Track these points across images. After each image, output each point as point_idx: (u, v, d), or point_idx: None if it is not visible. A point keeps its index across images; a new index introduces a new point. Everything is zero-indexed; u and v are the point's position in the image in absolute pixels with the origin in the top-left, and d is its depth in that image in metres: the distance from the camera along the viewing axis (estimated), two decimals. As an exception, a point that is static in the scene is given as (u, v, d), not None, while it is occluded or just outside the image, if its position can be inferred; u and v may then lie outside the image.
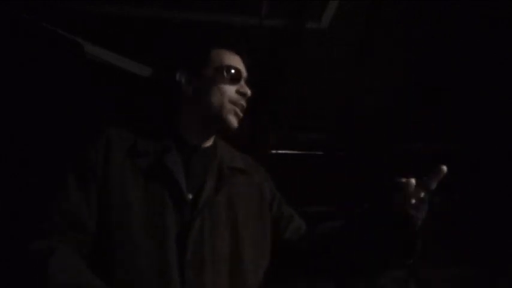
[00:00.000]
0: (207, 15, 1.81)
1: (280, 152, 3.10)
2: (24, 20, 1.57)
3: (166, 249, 0.87)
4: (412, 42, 2.15)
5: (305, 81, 2.47)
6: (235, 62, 1.06)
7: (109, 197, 0.90)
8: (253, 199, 1.06)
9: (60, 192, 0.91)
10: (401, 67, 2.42)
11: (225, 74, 1.03)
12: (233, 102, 1.03)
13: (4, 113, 1.51)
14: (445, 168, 0.94)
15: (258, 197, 1.08)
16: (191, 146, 1.03)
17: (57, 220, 0.87)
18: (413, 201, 0.90)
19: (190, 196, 0.94)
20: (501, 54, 2.20)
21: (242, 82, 1.05)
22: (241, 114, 1.05)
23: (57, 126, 1.64)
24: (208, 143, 1.07)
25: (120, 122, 1.04)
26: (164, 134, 1.02)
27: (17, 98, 1.55)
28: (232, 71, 1.04)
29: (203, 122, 1.04)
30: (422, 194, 0.92)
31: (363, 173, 3.21)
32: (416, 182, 0.90)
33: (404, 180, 0.89)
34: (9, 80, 1.54)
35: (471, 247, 3.04)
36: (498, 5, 1.82)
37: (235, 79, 1.04)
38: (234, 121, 1.03)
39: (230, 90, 1.03)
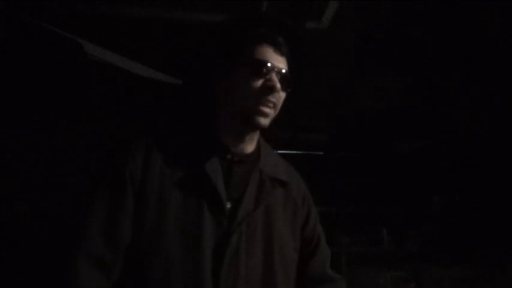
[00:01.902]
0: (207, 15, 1.81)
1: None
2: (24, 20, 1.57)
3: (202, 261, 0.86)
4: (412, 42, 2.15)
5: (305, 81, 2.47)
6: (264, 54, 0.93)
7: (146, 206, 0.87)
8: (288, 214, 1.03)
9: (95, 209, 0.87)
10: (401, 67, 2.42)
11: (251, 68, 0.93)
12: (260, 99, 0.93)
13: (4, 113, 1.51)
14: None
15: (293, 212, 1.05)
16: (232, 153, 0.97)
17: (92, 240, 0.84)
18: None
19: (229, 205, 0.92)
20: (501, 53, 2.20)
21: (271, 75, 0.93)
22: (270, 112, 0.95)
23: (57, 126, 1.64)
24: (250, 149, 1.01)
25: (156, 128, 1.02)
26: (203, 139, 0.97)
27: (16, 98, 1.55)
28: (259, 64, 0.93)
29: (236, 123, 0.97)
30: None
31: (363, 173, 3.22)
32: None
33: None
34: (9, 80, 1.54)
35: (471, 247, 3.04)
36: (498, 5, 1.82)
37: (262, 73, 0.93)
38: (262, 121, 0.95)
39: (256, 85, 0.92)
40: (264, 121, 0.95)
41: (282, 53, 0.95)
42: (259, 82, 0.93)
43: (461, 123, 2.95)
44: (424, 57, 2.28)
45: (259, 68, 0.93)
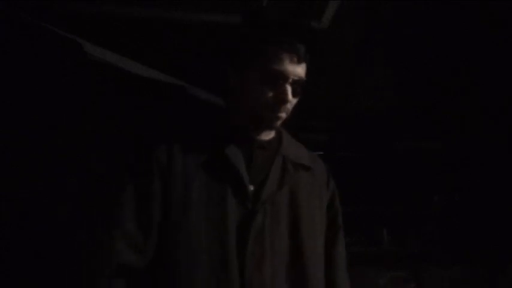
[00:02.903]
0: (207, 15, 1.81)
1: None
2: (24, 20, 1.57)
3: (227, 240, 0.87)
4: (412, 42, 2.15)
5: (305, 81, 2.47)
6: (281, 62, 0.89)
7: (172, 190, 0.89)
8: (314, 198, 1.04)
9: (126, 195, 0.90)
10: (401, 67, 2.42)
11: (265, 76, 0.90)
12: (271, 108, 0.91)
13: (4, 113, 1.51)
14: None
15: (318, 197, 1.06)
16: (252, 139, 0.98)
17: (126, 225, 0.88)
18: None
19: (252, 188, 0.93)
20: (501, 53, 2.20)
21: (284, 86, 0.90)
22: (280, 118, 0.95)
23: (57, 127, 1.64)
24: (270, 136, 1.02)
25: (176, 121, 1.04)
26: (222, 128, 0.99)
27: (16, 98, 1.55)
28: (274, 73, 0.89)
29: (250, 119, 0.98)
30: None
31: (363, 173, 3.21)
32: None
33: None
34: (9, 80, 1.54)
35: (471, 247, 3.04)
36: (498, 6, 1.82)
37: (275, 82, 0.90)
38: (273, 125, 0.96)
39: (268, 94, 0.90)
40: (275, 124, 0.96)
41: (299, 60, 0.91)
42: (272, 92, 0.90)
43: (462, 123, 2.95)
44: (424, 57, 2.28)
45: (273, 77, 0.90)
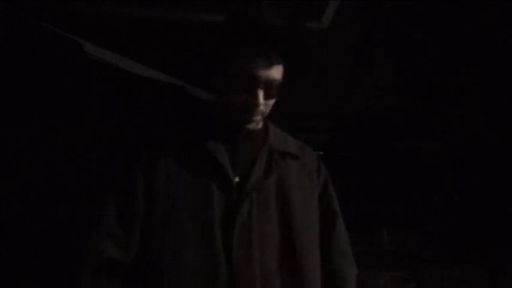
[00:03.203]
0: (207, 15, 1.81)
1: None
2: (24, 20, 1.57)
3: (213, 232, 0.87)
4: (412, 42, 2.15)
5: (305, 81, 2.47)
6: (251, 67, 0.86)
7: (155, 194, 0.90)
8: (304, 185, 1.03)
9: (110, 198, 0.92)
10: (401, 67, 2.42)
11: (236, 80, 0.88)
12: (245, 111, 0.91)
13: (4, 113, 1.51)
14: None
15: (308, 184, 1.04)
16: (238, 130, 0.97)
17: (109, 223, 0.89)
18: None
19: (237, 179, 0.93)
20: (501, 53, 2.20)
21: (256, 90, 0.88)
22: (256, 120, 0.94)
23: (57, 127, 1.64)
24: (256, 127, 0.99)
25: (158, 120, 1.05)
26: (205, 124, 0.99)
27: (16, 98, 1.55)
28: (244, 77, 0.87)
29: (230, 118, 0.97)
30: None
31: (363, 173, 3.21)
32: None
33: None
34: (9, 80, 1.54)
35: (471, 247, 3.04)
36: (498, 6, 1.82)
37: (247, 87, 0.88)
38: (250, 127, 0.95)
39: (240, 99, 0.89)
40: (252, 126, 0.95)
41: (272, 64, 0.88)
42: (244, 96, 0.89)
43: (462, 123, 2.95)
44: (424, 57, 2.28)
45: (245, 81, 0.88)
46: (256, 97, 0.89)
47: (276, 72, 0.90)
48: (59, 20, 1.68)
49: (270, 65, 0.88)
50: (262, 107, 0.91)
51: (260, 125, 1.01)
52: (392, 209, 3.15)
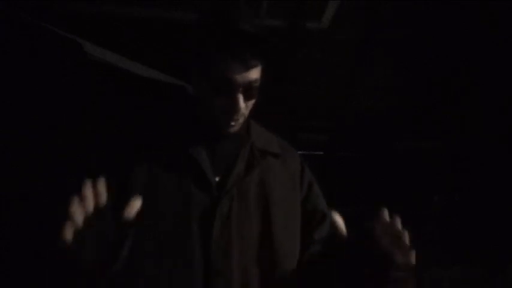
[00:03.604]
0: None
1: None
2: (24, 20, 1.57)
3: (190, 232, 0.86)
4: (412, 42, 2.15)
5: (305, 81, 2.47)
6: (227, 70, 0.84)
7: (132, 193, 0.86)
8: (285, 185, 1.01)
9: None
10: (401, 67, 2.42)
11: (214, 84, 0.86)
12: (224, 115, 0.89)
13: (4, 113, 1.51)
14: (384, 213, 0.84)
15: (291, 184, 1.03)
16: (218, 130, 0.95)
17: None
18: (388, 240, 0.78)
19: (217, 179, 0.92)
20: (501, 53, 2.20)
21: (235, 95, 0.86)
22: (237, 123, 0.92)
23: (57, 127, 1.64)
24: (236, 128, 0.97)
25: (139, 123, 1.03)
26: (186, 125, 0.98)
27: (16, 98, 1.55)
28: (221, 81, 0.85)
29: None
30: (398, 232, 0.81)
31: (363, 173, 3.22)
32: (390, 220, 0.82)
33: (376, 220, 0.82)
34: (9, 80, 1.54)
35: (471, 247, 3.04)
36: (498, 6, 1.82)
37: (225, 91, 0.86)
38: (231, 130, 0.93)
39: (219, 102, 0.88)
40: (233, 129, 0.93)
41: (248, 66, 0.85)
42: (222, 100, 0.87)
43: (461, 123, 2.95)
44: (424, 57, 2.28)
45: (222, 86, 0.85)
46: (236, 101, 0.87)
47: (254, 73, 0.88)
48: (59, 20, 1.68)
49: (247, 67, 0.85)
50: (242, 110, 0.90)
51: (241, 126, 0.98)
52: (392, 209, 3.15)
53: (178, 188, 0.90)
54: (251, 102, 0.93)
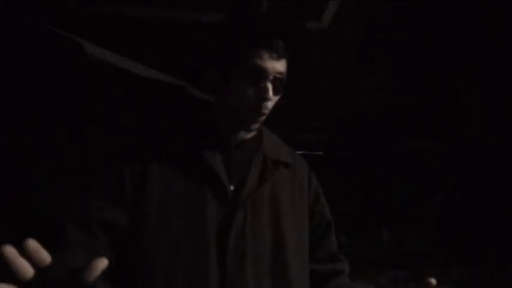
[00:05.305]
0: (207, 15, 1.81)
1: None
2: (24, 20, 1.57)
3: (207, 241, 0.86)
4: (412, 42, 2.15)
5: (305, 81, 2.47)
6: (260, 59, 0.88)
7: (147, 200, 0.88)
8: (294, 193, 1.03)
9: (93, 204, 0.88)
10: (401, 67, 2.42)
11: (246, 75, 0.89)
12: (253, 108, 0.91)
13: (4, 113, 1.51)
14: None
15: (299, 193, 1.04)
16: (231, 139, 0.98)
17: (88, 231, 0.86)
18: None
19: (231, 188, 0.92)
20: (501, 53, 2.20)
21: (265, 83, 0.89)
22: (261, 119, 0.94)
23: (57, 126, 1.64)
24: (250, 135, 1.00)
25: (153, 123, 1.02)
26: (200, 130, 0.98)
27: (16, 98, 1.55)
28: (254, 71, 0.88)
29: (231, 121, 0.97)
30: None
31: (363, 173, 3.22)
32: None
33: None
34: (9, 80, 1.54)
35: (471, 247, 3.04)
36: (498, 6, 1.82)
37: (256, 80, 0.89)
38: (253, 127, 0.95)
39: (249, 93, 0.89)
40: (255, 127, 0.95)
41: (279, 56, 0.90)
42: (253, 90, 0.90)
43: (461, 123, 2.95)
44: (424, 57, 2.29)
45: (254, 75, 0.89)
46: (266, 90, 0.89)
47: (282, 66, 0.91)
48: (59, 20, 1.69)
49: (277, 57, 0.89)
50: (269, 104, 0.92)
51: (254, 133, 1.01)
52: (392, 209, 3.15)
53: (194, 196, 0.89)
54: (276, 98, 0.95)
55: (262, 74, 0.89)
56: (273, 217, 0.95)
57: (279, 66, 0.90)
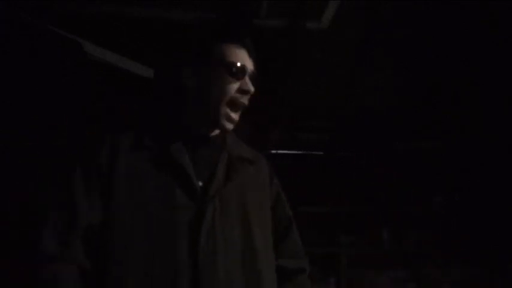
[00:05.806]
0: (207, 15, 1.82)
1: (280, 152, 3.10)
2: (24, 20, 1.57)
3: (179, 237, 0.87)
4: (412, 42, 2.15)
5: (305, 81, 2.48)
6: (238, 56, 0.96)
7: (116, 193, 0.89)
8: (259, 189, 1.06)
9: (66, 199, 0.91)
10: (401, 67, 2.42)
11: (226, 70, 0.95)
12: (233, 101, 0.96)
13: (4, 113, 1.51)
14: None
15: (263, 188, 1.08)
16: (198, 136, 1.01)
17: (63, 230, 0.88)
18: None
19: (200, 183, 0.94)
20: (501, 53, 2.20)
21: (245, 79, 0.97)
22: (237, 117, 0.99)
23: (57, 126, 1.64)
24: (216, 132, 1.04)
25: (124, 121, 1.04)
26: (170, 126, 1.01)
27: (16, 98, 1.55)
28: (234, 66, 0.95)
29: (205, 118, 1.00)
30: None
31: (363, 173, 3.22)
32: None
33: None
34: (9, 80, 1.54)
35: (471, 247, 3.04)
36: (498, 6, 1.82)
37: (237, 75, 0.95)
38: (228, 126, 0.99)
39: (231, 87, 0.95)
40: (230, 126, 1.00)
41: (251, 55, 0.99)
42: (235, 85, 0.96)
43: (461, 123, 2.95)
44: (424, 57, 2.29)
45: (235, 70, 0.95)
46: (247, 84, 0.96)
47: (253, 64, 1.00)
48: (59, 20, 1.69)
49: (250, 56, 0.99)
50: (246, 102, 0.98)
51: (217, 131, 1.04)
52: (392, 209, 3.15)
53: (163, 192, 0.91)
54: (249, 96, 1.00)
55: (242, 70, 0.96)
56: (241, 211, 0.97)
57: (252, 64, 1.00)
